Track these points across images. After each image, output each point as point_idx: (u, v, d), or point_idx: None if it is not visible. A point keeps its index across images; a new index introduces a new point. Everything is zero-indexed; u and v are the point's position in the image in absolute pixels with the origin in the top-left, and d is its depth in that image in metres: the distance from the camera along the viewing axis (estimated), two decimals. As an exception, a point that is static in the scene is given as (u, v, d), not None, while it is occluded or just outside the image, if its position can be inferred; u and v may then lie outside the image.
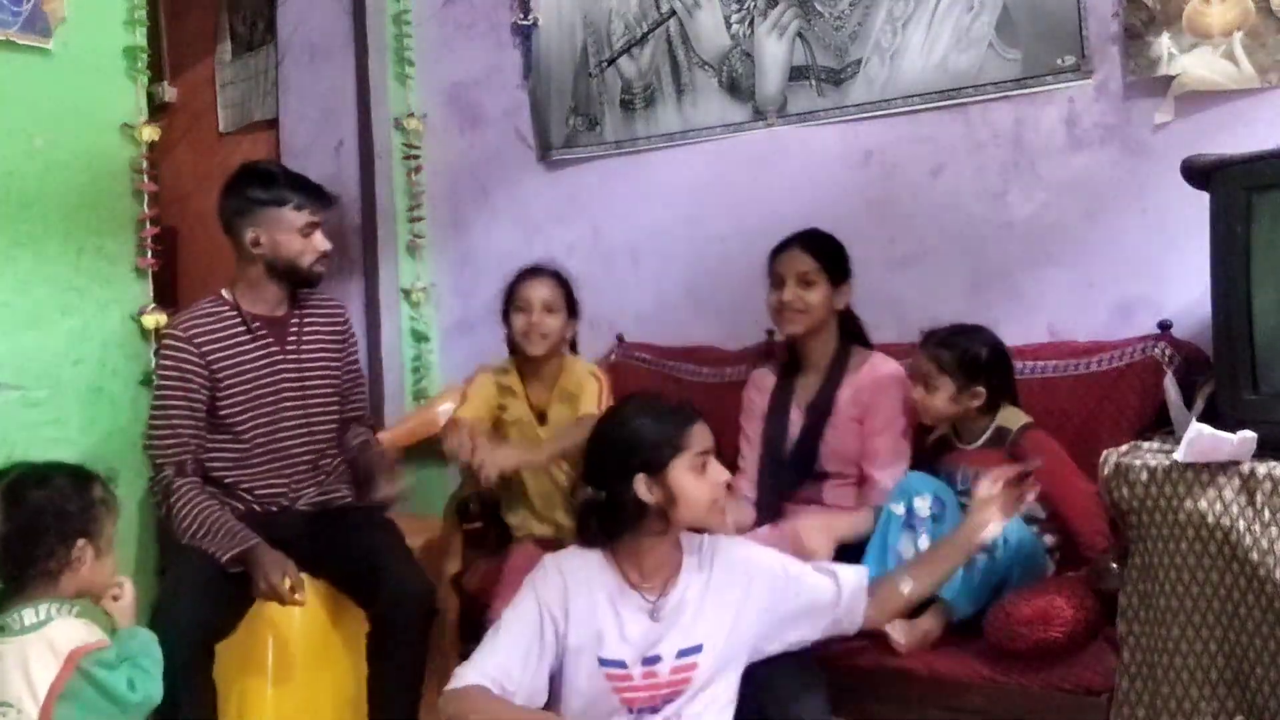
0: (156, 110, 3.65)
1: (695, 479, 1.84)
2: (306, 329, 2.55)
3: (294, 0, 3.79)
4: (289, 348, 2.51)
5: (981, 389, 2.25)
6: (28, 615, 1.56)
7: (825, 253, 2.45)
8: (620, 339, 3.16)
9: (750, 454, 2.56)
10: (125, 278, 2.84)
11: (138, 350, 2.83)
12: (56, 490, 1.62)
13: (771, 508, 2.46)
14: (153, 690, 1.61)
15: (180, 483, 2.35)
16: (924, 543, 2.16)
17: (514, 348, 2.65)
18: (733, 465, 2.50)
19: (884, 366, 2.44)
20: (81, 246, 2.76)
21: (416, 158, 3.57)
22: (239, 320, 2.46)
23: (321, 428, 2.55)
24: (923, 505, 2.19)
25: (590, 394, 2.59)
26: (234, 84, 4.15)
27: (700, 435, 1.87)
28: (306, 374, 2.53)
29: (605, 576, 1.89)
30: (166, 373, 2.42)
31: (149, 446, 2.42)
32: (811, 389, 2.49)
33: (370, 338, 3.55)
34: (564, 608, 1.85)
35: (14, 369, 2.62)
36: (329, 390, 2.57)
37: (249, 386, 2.45)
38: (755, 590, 1.91)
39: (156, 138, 2.89)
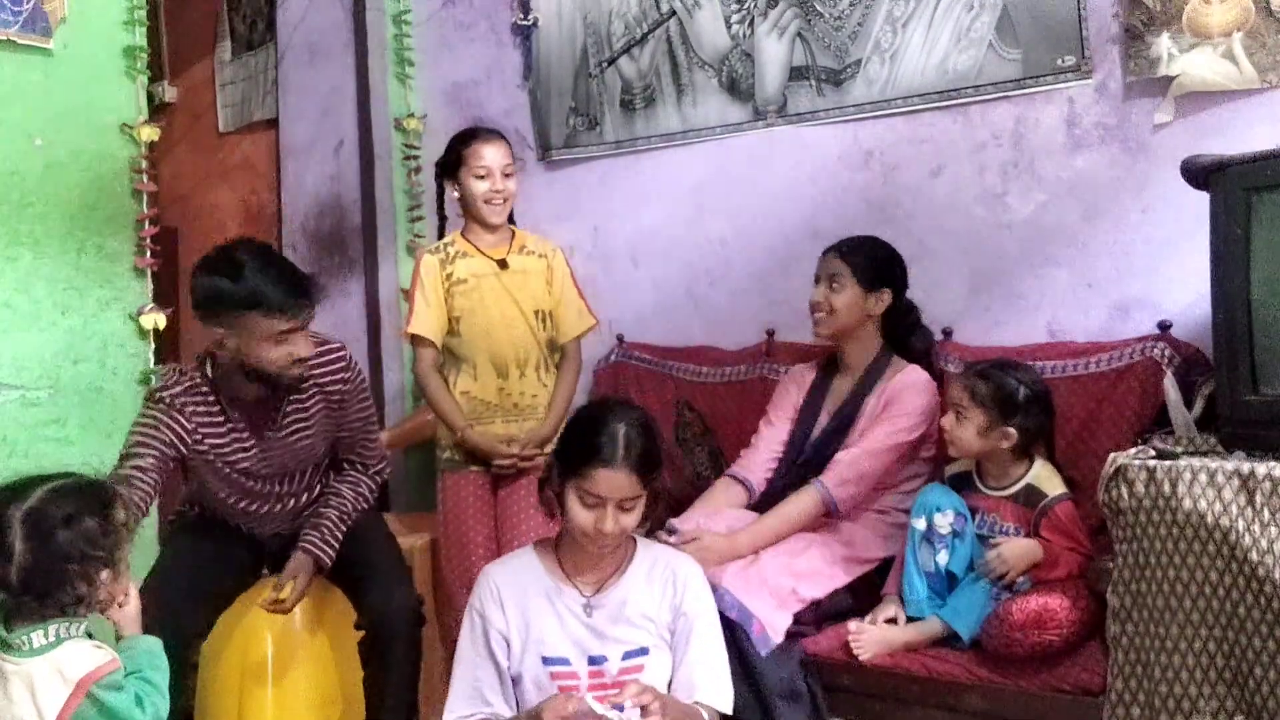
0: (156, 110, 3.66)
1: (577, 507, 1.81)
2: (290, 409, 2.27)
3: (294, 0, 3.79)
4: (268, 434, 2.26)
5: (1013, 430, 2.14)
6: (36, 638, 1.51)
7: (859, 257, 2.43)
8: (620, 339, 3.16)
9: (768, 435, 2.54)
10: (125, 277, 2.85)
11: (137, 350, 2.84)
12: (85, 533, 1.53)
13: (780, 497, 2.44)
14: (161, 706, 1.58)
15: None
16: (943, 558, 2.15)
17: (443, 228, 2.73)
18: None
19: (909, 376, 2.40)
20: (81, 246, 2.77)
21: (416, 158, 3.57)
22: (218, 408, 2.22)
23: (297, 497, 2.37)
24: (944, 521, 2.16)
25: (571, 301, 2.68)
26: (234, 84, 4.15)
27: (603, 481, 1.77)
28: (286, 459, 2.31)
29: (540, 574, 1.88)
30: (146, 427, 2.16)
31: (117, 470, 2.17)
32: (843, 394, 2.48)
33: (370, 338, 3.55)
34: (503, 614, 1.85)
35: (14, 369, 2.63)
36: (310, 466, 2.37)
37: (221, 469, 2.25)
38: (678, 620, 1.88)
39: (156, 137, 2.90)
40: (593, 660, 1.83)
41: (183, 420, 2.16)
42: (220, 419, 2.21)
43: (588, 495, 1.79)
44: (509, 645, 1.85)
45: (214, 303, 2.09)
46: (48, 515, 1.52)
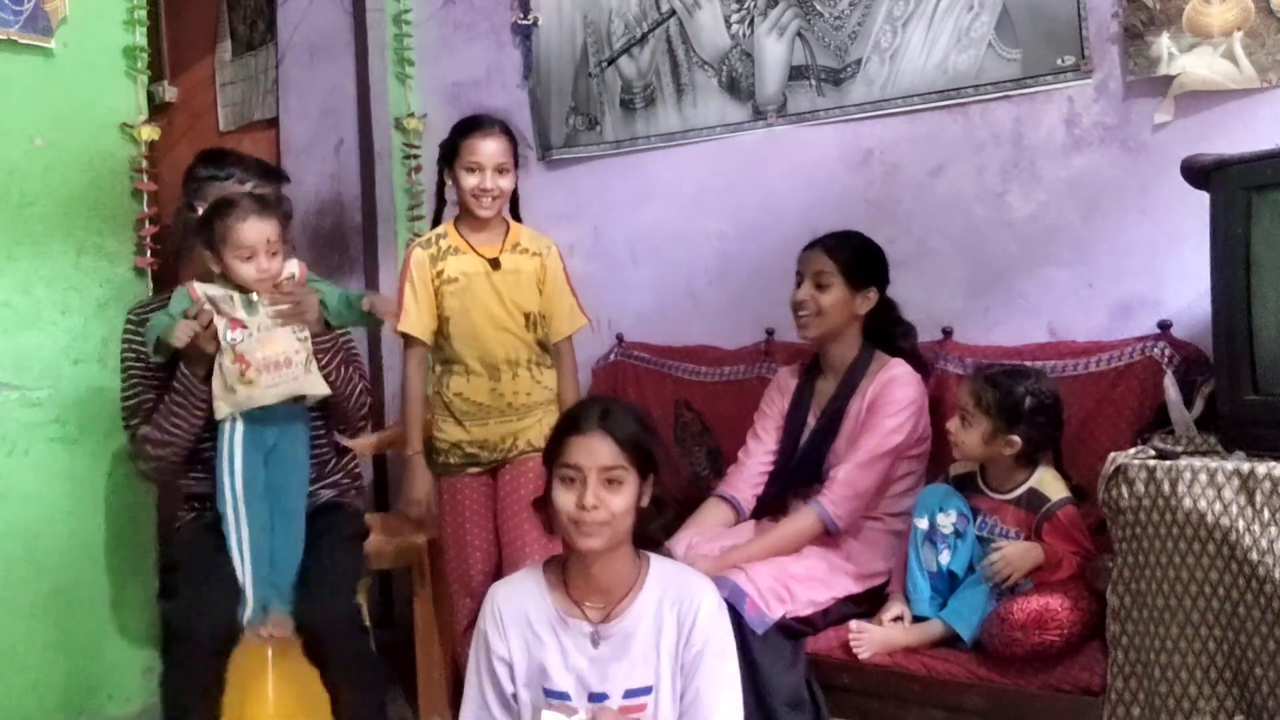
0: (156, 110, 3.66)
1: (560, 491, 1.74)
2: None
3: (294, 0, 3.79)
4: None
5: (1017, 439, 2.13)
6: None
7: (847, 255, 2.40)
8: (620, 339, 3.16)
9: (756, 450, 2.53)
10: (125, 277, 2.85)
11: (138, 350, 2.84)
12: None
13: (776, 504, 2.46)
14: None
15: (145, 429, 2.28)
16: (945, 558, 2.15)
17: (439, 217, 2.64)
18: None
19: (890, 372, 2.37)
20: (81, 246, 2.76)
21: (416, 158, 3.57)
22: None
23: None
24: (946, 521, 2.16)
25: (564, 305, 2.62)
26: (234, 83, 4.15)
27: (577, 447, 1.72)
28: None
29: (545, 600, 1.81)
30: (130, 359, 2.33)
31: (125, 423, 2.35)
32: (828, 395, 2.46)
33: (370, 337, 3.55)
34: (504, 640, 1.81)
35: (14, 369, 2.63)
36: None
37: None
38: (689, 647, 1.78)
39: (156, 137, 2.90)
40: (593, 697, 1.77)
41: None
42: None
43: (566, 470, 1.73)
44: (511, 669, 1.81)
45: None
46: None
